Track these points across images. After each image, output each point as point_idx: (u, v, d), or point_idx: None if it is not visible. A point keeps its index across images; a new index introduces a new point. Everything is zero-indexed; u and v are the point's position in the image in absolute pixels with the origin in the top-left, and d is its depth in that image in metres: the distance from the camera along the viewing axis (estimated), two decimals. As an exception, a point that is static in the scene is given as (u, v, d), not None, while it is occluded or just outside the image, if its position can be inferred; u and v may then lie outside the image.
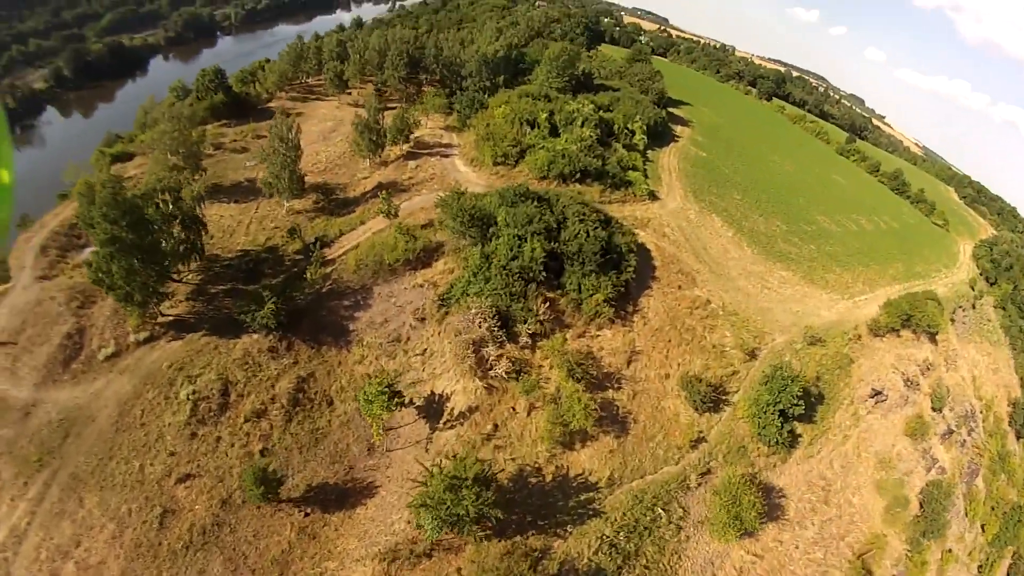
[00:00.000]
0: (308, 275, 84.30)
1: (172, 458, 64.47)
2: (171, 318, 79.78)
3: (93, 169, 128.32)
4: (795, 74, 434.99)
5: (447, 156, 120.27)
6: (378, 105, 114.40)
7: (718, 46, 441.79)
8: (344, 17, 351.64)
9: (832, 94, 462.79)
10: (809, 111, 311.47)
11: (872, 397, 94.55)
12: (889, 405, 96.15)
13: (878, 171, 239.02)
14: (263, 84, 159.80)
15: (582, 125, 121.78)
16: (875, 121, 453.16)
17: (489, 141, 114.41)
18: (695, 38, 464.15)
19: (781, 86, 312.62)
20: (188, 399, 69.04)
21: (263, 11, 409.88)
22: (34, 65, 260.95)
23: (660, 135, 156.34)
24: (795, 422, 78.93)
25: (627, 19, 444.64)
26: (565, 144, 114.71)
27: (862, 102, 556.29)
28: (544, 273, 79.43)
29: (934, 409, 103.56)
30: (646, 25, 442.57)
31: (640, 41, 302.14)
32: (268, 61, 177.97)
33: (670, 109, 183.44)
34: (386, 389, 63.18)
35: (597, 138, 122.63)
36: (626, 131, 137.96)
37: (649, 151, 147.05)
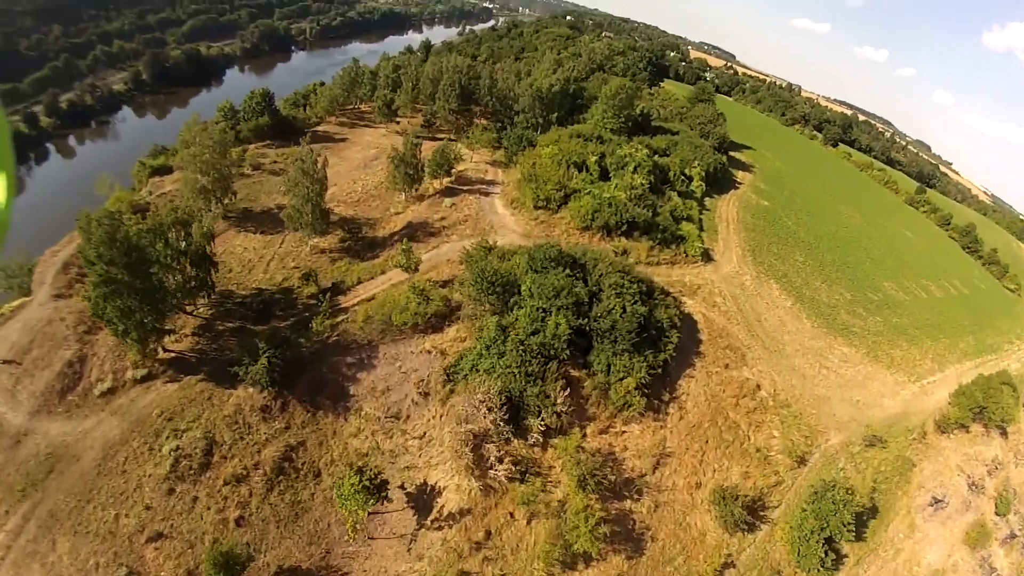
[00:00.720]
0: (314, 325, 75.48)
1: (147, 512, 58.43)
2: (173, 355, 73.65)
3: (132, 180, 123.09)
4: (861, 118, 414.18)
5: (487, 194, 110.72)
6: (416, 139, 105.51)
7: (784, 85, 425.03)
8: (415, 38, 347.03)
9: (898, 140, 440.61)
10: (876, 158, 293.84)
11: (931, 505, 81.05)
12: (949, 512, 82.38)
13: (949, 224, 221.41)
14: (313, 107, 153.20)
15: (634, 171, 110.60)
16: (942, 168, 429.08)
17: (532, 183, 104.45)
18: (761, 76, 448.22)
19: (847, 131, 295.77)
20: (170, 454, 62.25)
21: (337, 27, 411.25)
22: (116, 66, 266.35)
23: (720, 181, 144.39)
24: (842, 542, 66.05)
25: (694, 54, 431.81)
26: (613, 191, 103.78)
27: (928, 148, 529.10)
28: (569, 350, 68.38)
29: (998, 514, 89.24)
30: (712, 61, 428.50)
31: (704, 79, 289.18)
32: (322, 84, 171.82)
33: (732, 153, 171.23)
34: (367, 484, 53.14)
35: (650, 185, 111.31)
36: (683, 177, 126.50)
37: (707, 198, 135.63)
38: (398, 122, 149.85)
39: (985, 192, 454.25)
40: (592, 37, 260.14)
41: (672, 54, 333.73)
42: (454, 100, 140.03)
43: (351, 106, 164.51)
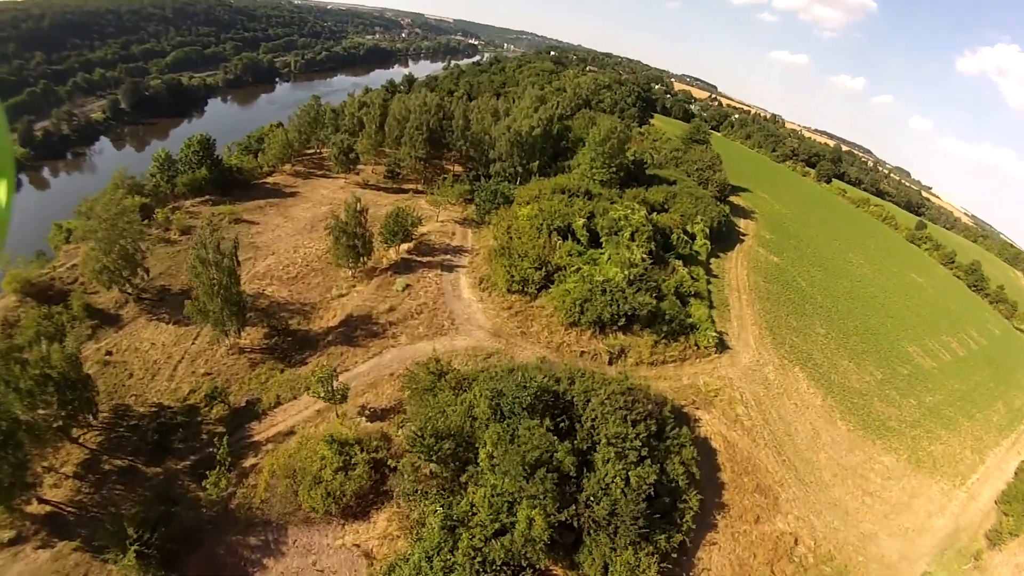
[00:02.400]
0: (207, 486, 49.85)
1: None
2: (49, 507, 51.56)
3: (49, 246, 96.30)
4: (844, 148, 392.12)
5: (452, 269, 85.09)
6: (360, 205, 79.25)
7: (768, 116, 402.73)
8: (401, 72, 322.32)
9: (880, 168, 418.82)
10: (865, 190, 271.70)
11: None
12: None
13: (953, 262, 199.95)
14: (265, 154, 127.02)
15: (631, 237, 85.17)
16: (924, 193, 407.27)
17: (506, 257, 79.06)
18: (745, 107, 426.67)
19: (837, 165, 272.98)
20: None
21: (323, 61, 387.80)
22: (95, 94, 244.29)
23: (724, 235, 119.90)
24: None
25: (677, 86, 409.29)
26: (607, 269, 78.29)
27: (908, 174, 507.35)
28: (546, 549, 42.27)
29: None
30: (696, 92, 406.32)
31: (694, 114, 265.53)
32: (280, 125, 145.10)
33: (731, 199, 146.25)
34: None
35: (649, 251, 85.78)
36: (684, 236, 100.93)
37: (713, 258, 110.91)
38: (358, 172, 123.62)
39: (966, 214, 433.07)
40: (576, 71, 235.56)
41: (657, 87, 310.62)
42: (421, 146, 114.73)
43: (311, 151, 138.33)
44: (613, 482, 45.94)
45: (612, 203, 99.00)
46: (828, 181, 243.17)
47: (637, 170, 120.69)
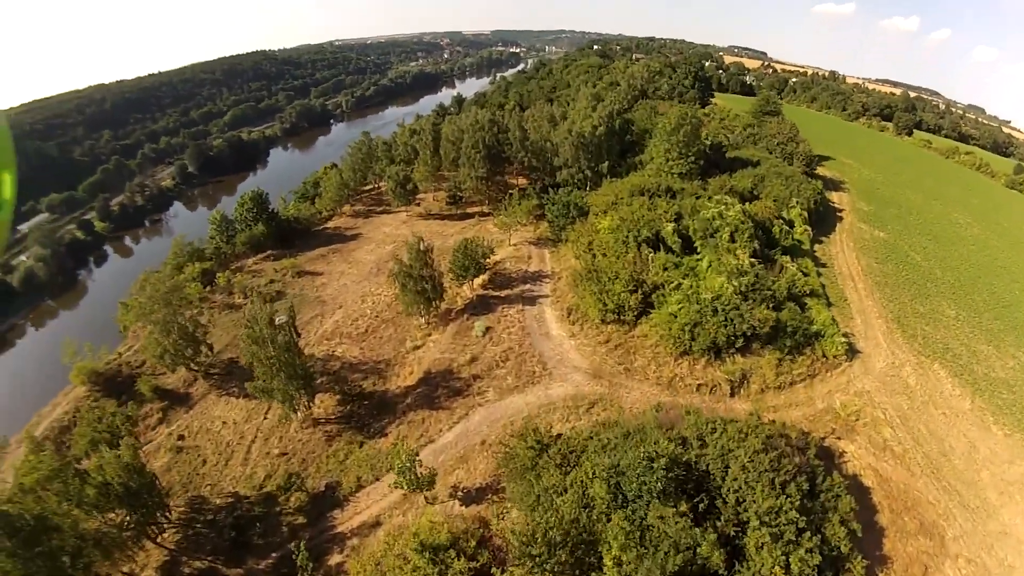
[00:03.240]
0: None
1: None
2: None
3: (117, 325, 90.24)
4: (912, 95, 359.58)
5: (534, 301, 73.54)
6: (425, 243, 68.85)
7: (826, 75, 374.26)
8: (449, 94, 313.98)
9: (954, 109, 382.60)
10: (947, 136, 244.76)
11: None
12: None
13: None
14: (322, 199, 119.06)
15: (731, 238, 71.41)
16: (1004, 129, 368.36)
17: (593, 282, 66.74)
18: (799, 69, 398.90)
19: (912, 113, 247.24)
20: None
21: (372, 96, 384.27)
22: (164, 162, 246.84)
23: (821, 215, 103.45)
24: None
25: (727, 59, 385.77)
26: (711, 280, 65.01)
27: (983, 111, 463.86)
28: None
29: None
30: (748, 63, 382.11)
31: (752, 86, 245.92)
32: (333, 167, 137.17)
33: (816, 170, 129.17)
34: None
35: (753, 251, 71.99)
36: (784, 226, 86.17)
37: (815, 244, 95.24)
38: (419, 202, 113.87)
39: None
40: (625, 62, 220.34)
41: (708, 64, 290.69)
42: (480, 164, 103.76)
43: (368, 187, 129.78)
44: (772, 573, 33.27)
45: (698, 198, 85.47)
46: (909, 133, 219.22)
47: (716, 155, 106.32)
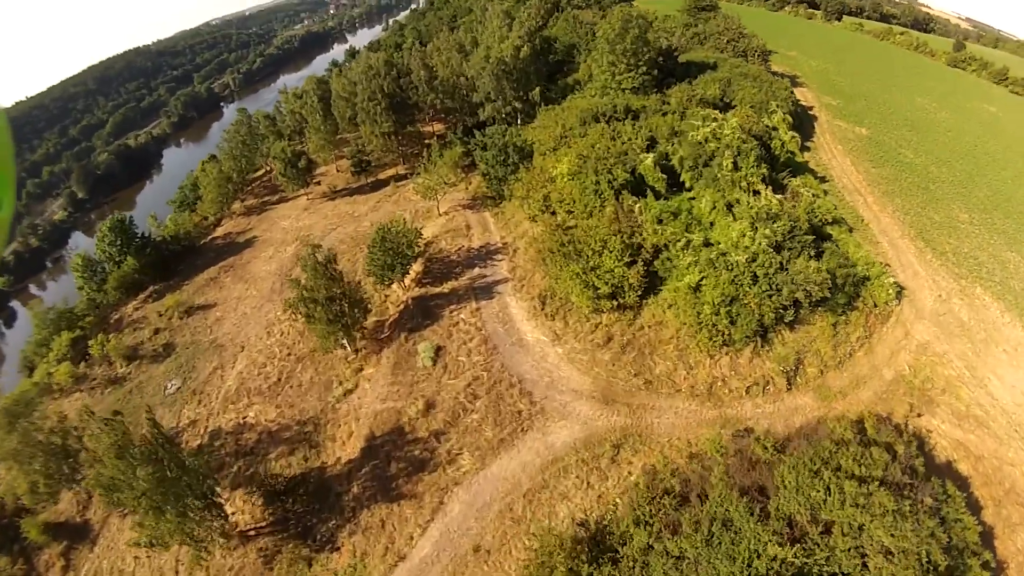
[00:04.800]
0: None
1: None
2: None
3: None
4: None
5: (490, 291, 51.94)
6: (322, 255, 45.80)
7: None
8: (342, 50, 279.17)
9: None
10: (869, 18, 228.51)
11: None
12: None
13: (1007, 78, 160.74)
14: (202, 203, 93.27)
15: (735, 166, 50.94)
16: (914, 6, 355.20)
17: (571, 257, 44.95)
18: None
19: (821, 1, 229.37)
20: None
21: (261, 68, 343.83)
22: (51, 194, 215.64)
23: (796, 117, 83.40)
24: None
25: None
26: (725, 230, 45.07)
27: None
28: None
29: None
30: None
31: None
32: (212, 159, 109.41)
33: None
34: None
35: (763, 180, 52.13)
36: (779, 137, 66.60)
37: (803, 151, 76.48)
38: (318, 181, 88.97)
39: (960, 18, 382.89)
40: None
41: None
42: (383, 117, 79.87)
43: (260, 174, 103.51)
44: None
45: (664, 115, 64.58)
46: (838, 18, 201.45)
47: (669, 62, 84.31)
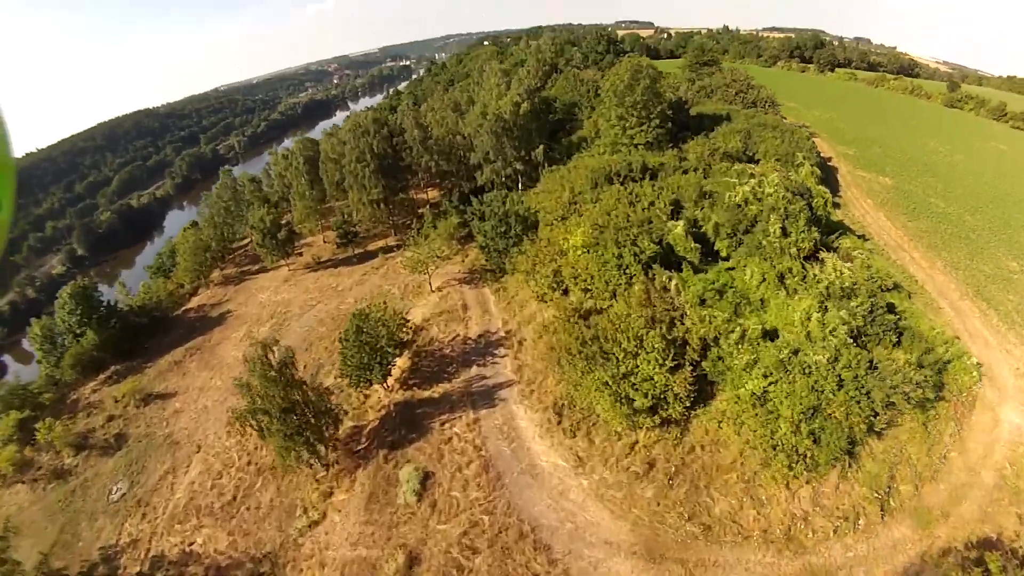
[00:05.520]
0: None
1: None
2: None
3: None
4: (805, 36, 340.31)
5: (492, 397, 40.88)
6: (277, 357, 35.06)
7: (721, 30, 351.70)
8: (343, 117, 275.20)
9: (845, 42, 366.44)
10: (857, 68, 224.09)
11: None
12: None
13: (1005, 114, 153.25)
14: (177, 272, 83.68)
15: (784, 231, 40.67)
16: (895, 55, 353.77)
17: (597, 361, 33.92)
18: (692, 30, 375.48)
19: (823, 50, 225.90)
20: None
21: (265, 132, 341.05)
22: (52, 249, 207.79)
23: (820, 169, 74.29)
24: None
25: (620, 33, 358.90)
26: (782, 311, 34.38)
27: (869, 41, 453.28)
28: None
29: None
30: (641, 32, 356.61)
31: (659, 51, 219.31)
32: (194, 225, 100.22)
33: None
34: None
35: (817, 246, 41.82)
36: (821, 193, 57.09)
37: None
38: (300, 252, 79.03)
39: (938, 62, 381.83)
40: (523, 46, 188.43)
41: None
42: (372, 182, 70.44)
43: (245, 242, 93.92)
44: None
45: (686, 173, 54.95)
46: (832, 69, 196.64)
47: (681, 114, 75.52)
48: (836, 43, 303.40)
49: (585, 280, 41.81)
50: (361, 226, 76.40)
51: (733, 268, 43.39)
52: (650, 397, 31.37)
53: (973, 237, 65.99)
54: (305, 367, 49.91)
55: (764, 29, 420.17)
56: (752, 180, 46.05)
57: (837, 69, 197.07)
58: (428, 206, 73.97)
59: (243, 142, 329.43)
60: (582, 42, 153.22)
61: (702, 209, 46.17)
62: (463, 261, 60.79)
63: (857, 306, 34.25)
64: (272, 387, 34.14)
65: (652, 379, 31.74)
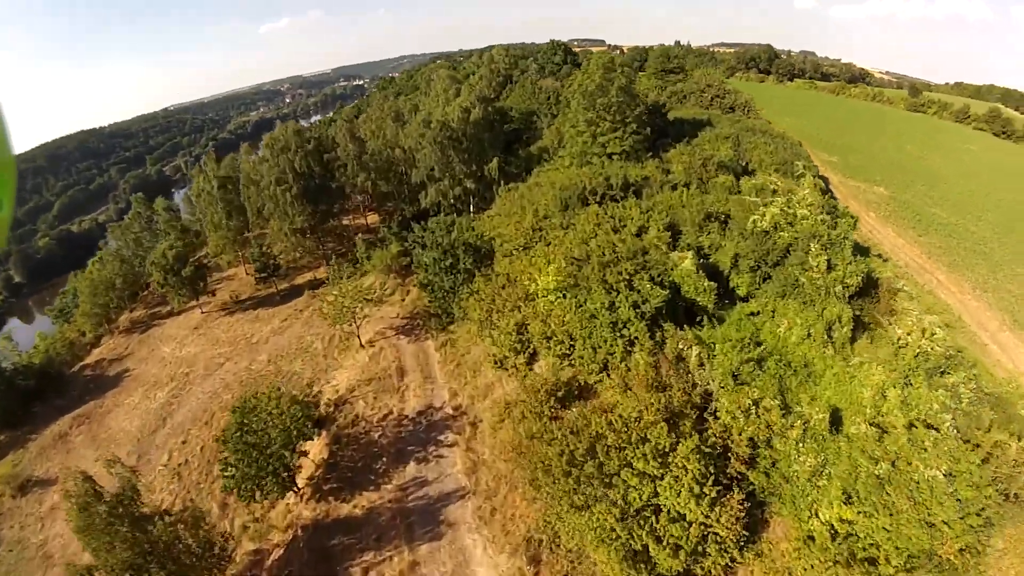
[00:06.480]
0: None
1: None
2: None
3: None
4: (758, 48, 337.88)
5: (436, 517, 27.50)
6: (119, 483, 21.15)
7: (672, 45, 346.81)
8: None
9: (792, 55, 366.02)
10: (811, 78, 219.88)
11: None
12: None
13: (968, 116, 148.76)
14: (76, 317, 68.59)
15: (828, 265, 28.44)
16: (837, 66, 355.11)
17: (578, 480, 20.77)
18: (643, 47, 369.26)
19: (773, 62, 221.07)
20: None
21: (213, 152, 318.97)
22: None
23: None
24: None
25: (575, 50, 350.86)
26: (867, 389, 21.89)
27: (814, 54, 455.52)
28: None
29: None
30: (593, 49, 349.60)
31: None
32: (98, 260, 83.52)
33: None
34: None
35: (864, 283, 29.66)
36: (847, 212, 45.68)
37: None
38: (212, 292, 64.10)
39: (882, 72, 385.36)
40: (475, 60, 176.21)
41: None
42: (295, 209, 56.64)
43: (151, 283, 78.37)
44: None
45: (675, 189, 43.02)
46: (791, 79, 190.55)
47: (658, 119, 63.38)
48: (785, 56, 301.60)
49: (562, 341, 28.99)
50: (284, 258, 62.26)
51: (757, 313, 31.30)
52: (683, 553, 18.55)
53: (987, 251, 57.84)
54: (189, 469, 36.15)
55: (714, 45, 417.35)
56: (778, 198, 34.02)
57: (795, 79, 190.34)
58: (360, 235, 60.20)
59: (189, 162, 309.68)
60: (537, 53, 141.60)
61: (709, 234, 34.02)
62: (403, 301, 47.46)
63: (960, 383, 22.35)
64: (115, 531, 20.41)
65: (683, 518, 18.99)
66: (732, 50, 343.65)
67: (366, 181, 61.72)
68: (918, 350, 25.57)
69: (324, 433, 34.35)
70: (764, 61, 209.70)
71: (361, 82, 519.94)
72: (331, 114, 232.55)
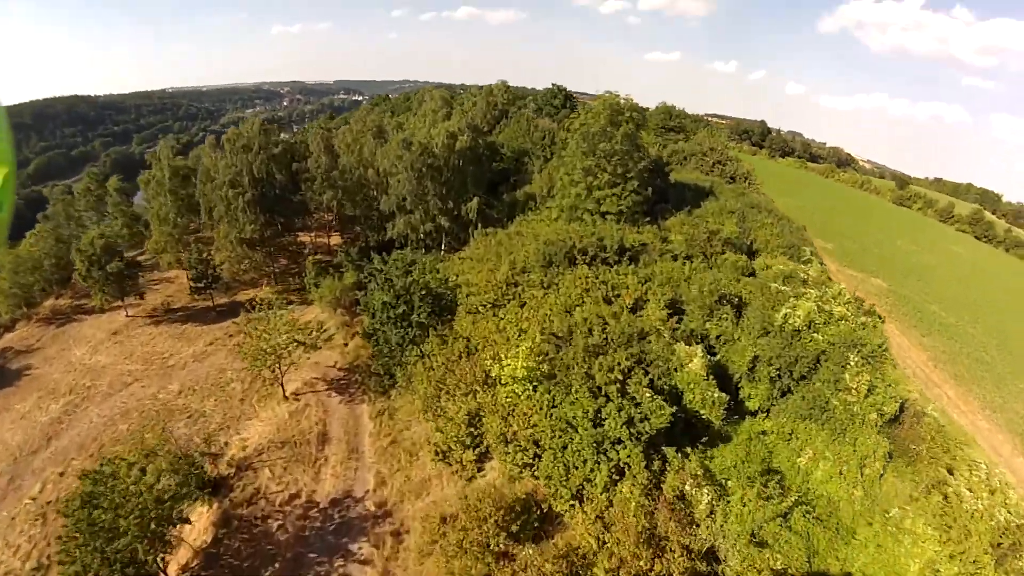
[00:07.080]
0: None
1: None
2: None
3: None
4: (752, 122, 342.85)
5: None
6: None
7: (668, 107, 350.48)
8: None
9: (780, 133, 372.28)
10: (800, 157, 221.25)
11: None
12: None
13: (952, 216, 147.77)
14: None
15: (869, 388, 21.66)
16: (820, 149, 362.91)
17: None
18: (643, 108, 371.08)
19: (766, 137, 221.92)
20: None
21: (202, 141, 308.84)
22: None
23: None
24: None
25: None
26: (916, 559, 14.65)
27: (801, 135, 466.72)
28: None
29: None
30: (590, 102, 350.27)
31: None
32: (36, 234, 74.16)
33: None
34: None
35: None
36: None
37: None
38: (142, 295, 55.37)
39: (864, 161, 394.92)
40: (474, 92, 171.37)
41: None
42: (246, 217, 49.02)
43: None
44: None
45: (676, 260, 36.65)
46: (783, 155, 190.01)
47: (658, 179, 57.32)
48: (776, 133, 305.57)
49: (524, 449, 21.68)
50: (228, 269, 54.10)
51: (767, 432, 24.52)
52: None
53: (988, 361, 52.58)
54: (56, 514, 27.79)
55: (707, 114, 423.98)
56: (810, 290, 27.60)
57: (787, 157, 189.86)
58: (310, 260, 52.34)
59: (176, 148, 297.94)
60: (537, 95, 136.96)
61: (720, 321, 27.34)
62: (345, 347, 39.76)
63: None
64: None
65: None
66: (725, 121, 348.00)
67: (332, 200, 54.34)
68: (981, 511, 19.05)
69: (216, 505, 26.39)
70: (757, 135, 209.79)
71: (360, 98, 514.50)
72: (318, 121, 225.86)
